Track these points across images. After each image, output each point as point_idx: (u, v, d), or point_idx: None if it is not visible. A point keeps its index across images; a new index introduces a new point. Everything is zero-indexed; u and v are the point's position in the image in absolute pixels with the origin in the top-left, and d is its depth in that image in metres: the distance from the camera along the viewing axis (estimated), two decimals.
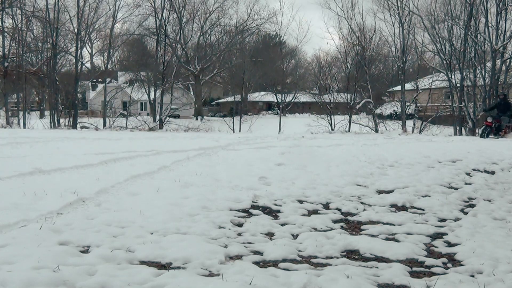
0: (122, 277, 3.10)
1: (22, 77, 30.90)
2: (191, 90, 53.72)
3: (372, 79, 35.10)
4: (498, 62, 27.27)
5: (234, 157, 9.28)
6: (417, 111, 34.40)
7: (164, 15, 37.75)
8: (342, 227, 4.77)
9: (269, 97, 54.97)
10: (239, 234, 4.38)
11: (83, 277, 3.05)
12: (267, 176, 7.16)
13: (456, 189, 6.84)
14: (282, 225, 4.80)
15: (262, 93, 57.30)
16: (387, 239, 4.39)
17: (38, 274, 3.01)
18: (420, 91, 34.03)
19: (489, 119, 16.80)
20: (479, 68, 28.08)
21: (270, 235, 4.45)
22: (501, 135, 16.64)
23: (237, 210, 5.21)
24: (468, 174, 8.08)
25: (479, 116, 27.31)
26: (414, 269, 3.61)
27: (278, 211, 5.34)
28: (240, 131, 32.49)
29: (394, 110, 42.24)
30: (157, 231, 4.23)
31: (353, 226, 4.87)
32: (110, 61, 42.63)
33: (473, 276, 3.43)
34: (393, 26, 33.76)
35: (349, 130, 31.06)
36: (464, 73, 28.12)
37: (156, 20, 37.98)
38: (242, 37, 47.69)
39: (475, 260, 3.71)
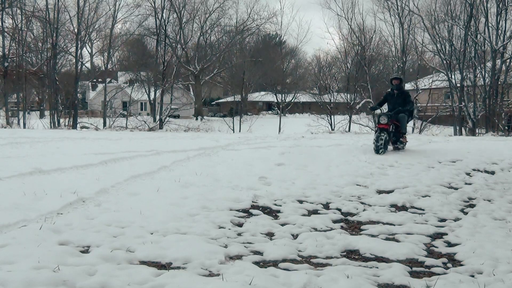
0: (122, 277, 3.10)
1: (22, 77, 30.91)
2: (191, 90, 53.73)
3: (372, 79, 35.14)
4: (498, 62, 27.30)
5: (234, 157, 9.27)
6: (417, 111, 34.40)
7: (164, 15, 37.83)
8: (342, 227, 4.77)
9: (269, 97, 54.95)
10: (239, 234, 4.38)
11: (83, 277, 3.05)
12: (267, 176, 7.17)
13: (456, 189, 6.83)
14: (282, 225, 4.80)
15: (262, 93, 57.30)
16: (387, 239, 4.39)
17: (38, 274, 3.01)
18: (420, 91, 34.05)
19: (384, 120, 10.06)
20: (479, 68, 28.10)
21: (270, 235, 4.45)
22: (403, 143, 10.57)
23: (237, 210, 5.21)
24: (468, 174, 8.07)
25: (478, 116, 27.28)
26: (414, 269, 3.61)
27: (278, 211, 5.34)
28: (240, 131, 32.49)
29: None
30: (157, 231, 4.23)
31: (353, 226, 4.86)
32: (110, 61, 42.63)
33: (473, 276, 3.43)
34: (393, 26, 33.90)
35: (349, 130, 31.06)
36: (464, 73, 28.13)
37: (156, 20, 38.03)
38: (242, 37, 47.70)
39: (475, 260, 3.71)
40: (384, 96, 10.88)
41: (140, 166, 7.71)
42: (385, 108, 10.94)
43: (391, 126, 10.08)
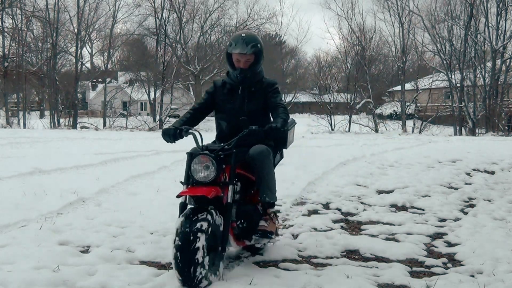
0: (122, 277, 3.09)
1: (22, 77, 30.92)
2: (191, 90, 53.69)
3: (372, 79, 35.16)
4: (498, 62, 27.30)
5: None
6: (417, 111, 34.43)
7: (164, 15, 37.81)
8: (342, 227, 4.77)
9: None
10: None
11: (83, 277, 3.05)
12: None
13: (456, 189, 6.83)
14: (282, 225, 4.80)
15: None
16: (387, 239, 4.38)
17: (38, 274, 3.01)
18: (420, 91, 34.06)
19: (202, 173, 3.10)
20: (479, 68, 28.12)
21: None
22: (271, 233, 3.46)
23: None
24: (468, 174, 8.07)
25: (479, 116, 27.24)
26: (414, 269, 3.61)
27: (278, 211, 5.34)
28: None
29: (394, 110, 42.23)
30: (157, 231, 4.23)
31: (353, 226, 4.86)
32: (110, 61, 42.59)
33: (473, 276, 3.43)
34: (393, 26, 33.87)
35: (349, 130, 31.07)
36: (464, 73, 28.14)
37: (156, 20, 38.00)
38: None
39: (475, 260, 3.71)
40: (209, 94, 3.80)
41: (140, 166, 7.71)
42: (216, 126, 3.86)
43: (232, 186, 3.21)
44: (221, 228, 3.08)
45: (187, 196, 3.13)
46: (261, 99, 3.67)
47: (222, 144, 3.39)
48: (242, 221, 3.41)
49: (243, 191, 3.49)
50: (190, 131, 3.43)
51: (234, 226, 3.32)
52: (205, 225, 2.89)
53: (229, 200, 3.13)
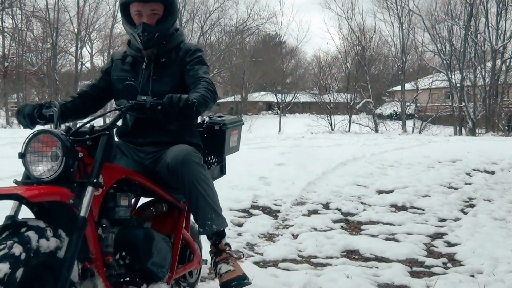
0: None
1: (22, 77, 30.97)
2: None
3: (372, 79, 35.18)
4: (498, 62, 27.33)
5: (234, 157, 9.28)
6: (417, 111, 34.46)
7: None
8: (342, 227, 4.77)
9: (269, 97, 54.91)
10: (239, 234, 4.37)
11: None
12: (267, 176, 7.16)
13: (456, 189, 6.83)
14: (282, 225, 4.81)
15: (262, 93, 57.22)
16: (387, 239, 4.38)
17: None
18: (420, 91, 34.09)
19: (47, 166, 1.83)
20: (479, 68, 28.15)
21: (270, 235, 4.45)
22: (249, 283, 2.31)
23: (237, 210, 5.21)
24: (468, 174, 8.07)
25: (478, 116, 27.28)
26: (414, 269, 3.61)
27: (278, 211, 5.34)
28: None
29: (394, 110, 42.25)
30: None
31: (353, 226, 4.86)
32: None
33: (473, 276, 3.43)
34: (393, 26, 33.92)
35: (349, 130, 31.11)
36: (464, 73, 28.16)
37: None
38: (242, 37, 47.70)
39: (475, 260, 3.71)
40: (105, 73, 2.60)
41: None
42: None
43: (93, 188, 1.83)
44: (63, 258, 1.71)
45: (19, 207, 1.94)
46: (176, 74, 2.45)
47: (90, 123, 2.03)
48: (124, 254, 2.04)
49: (142, 207, 2.46)
50: (53, 107, 2.15)
51: (110, 262, 1.99)
52: (17, 252, 1.57)
53: (82, 214, 1.76)
